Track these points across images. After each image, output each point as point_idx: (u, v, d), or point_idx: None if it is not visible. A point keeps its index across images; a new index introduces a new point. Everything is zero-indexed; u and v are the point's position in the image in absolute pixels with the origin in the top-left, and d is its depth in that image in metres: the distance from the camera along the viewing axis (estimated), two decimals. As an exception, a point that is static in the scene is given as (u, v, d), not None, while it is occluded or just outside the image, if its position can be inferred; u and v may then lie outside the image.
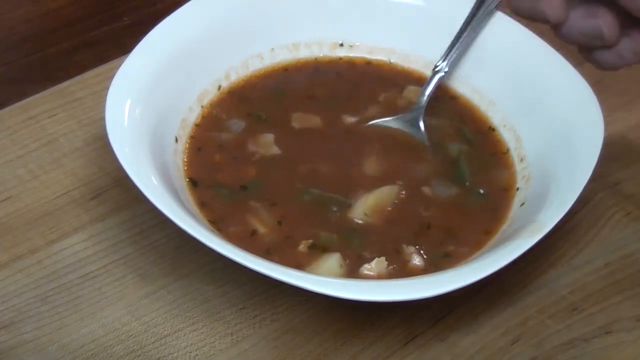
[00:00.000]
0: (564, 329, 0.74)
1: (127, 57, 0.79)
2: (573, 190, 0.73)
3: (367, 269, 0.73)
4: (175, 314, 0.74)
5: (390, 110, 0.85)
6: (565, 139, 0.78)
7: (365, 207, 0.76)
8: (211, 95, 0.85)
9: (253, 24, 0.87)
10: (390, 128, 0.84)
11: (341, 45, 0.90)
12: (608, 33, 0.70)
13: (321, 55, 0.90)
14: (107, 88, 0.76)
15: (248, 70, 0.88)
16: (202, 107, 0.84)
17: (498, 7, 0.86)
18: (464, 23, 0.86)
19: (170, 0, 0.93)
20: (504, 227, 0.76)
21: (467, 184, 0.80)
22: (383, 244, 0.75)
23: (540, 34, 0.85)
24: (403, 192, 0.78)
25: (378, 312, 0.74)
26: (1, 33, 1.00)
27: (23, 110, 0.88)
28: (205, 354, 0.72)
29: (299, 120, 0.84)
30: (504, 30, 0.86)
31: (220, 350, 0.72)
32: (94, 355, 0.71)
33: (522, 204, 0.77)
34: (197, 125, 0.83)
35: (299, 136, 0.83)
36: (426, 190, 0.79)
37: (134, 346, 0.72)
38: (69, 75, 0.92)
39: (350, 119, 0.85)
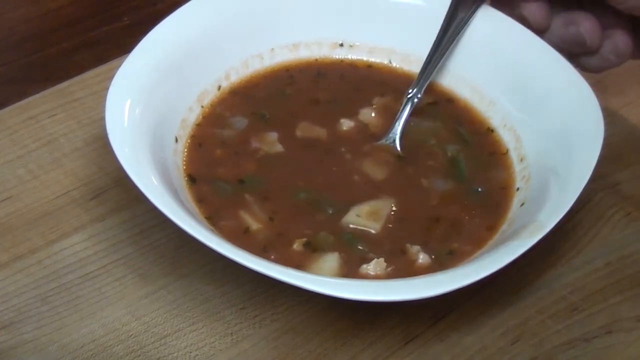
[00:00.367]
0: (564, 329, 0.74)
1: (127, 57, 0.79)
2: (573, 191, 0.73)
3: (366, 269, 0.73)
4: (175, 314, 0.74)
5: (389, 114, 0.85)
6: (565, 139, 0.78)
7: (360, 212, 0.77)
8: (211, 95, 0.85)
9: (253, 23, 0.87)
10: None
11: (341, 45, 0.90)
12: (589, 39, 0.70)
13: (321, 55, 0.90)
14: (107, 88, 0.76)
15: (248, 70, 0.88)
16: (202, 107, 0.84)
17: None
18: (433, 47, 0.86)
19: (170, 0, 0.93)
20: (504, 227, 0.77)
21: (465, 181, 0.80)
22: (380, 246, 0.75)
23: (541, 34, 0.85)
24: (394, 208, 0.78)
25: (378, 312, 0.74)
26: (1, 33, 1.00)
27: (23, 110, 0.88)
28: (205, 354, 0.72)
29: (303, 129, 0.84)
30: (504, 31, 0.86)
31: (220, 350, 0.72)
32: (94, 355, 0.71)
33: (522, 204, 0.77)
34: (198, 124, 0.83)
35: (301, 139, 0.83)
36: (425, 182, 0.80)
37: (134, 346, 0.72)
38: (69, 75, 0.92)
39: (350, 124, 0.85)
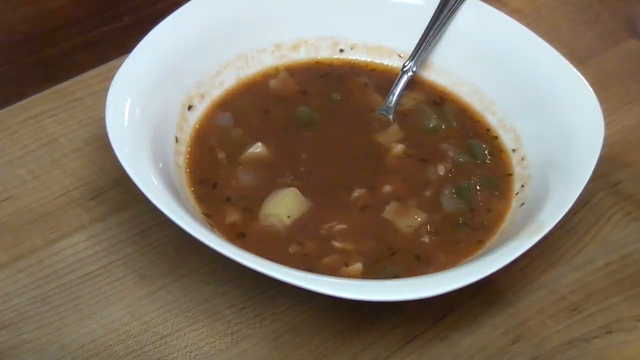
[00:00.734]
0: (564, 329, 0.74)
1: (127, 57, 0.79)
2: (573, 191, 0.73)
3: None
4: (175, 314, 0.74)
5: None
6: (565, 139, 0.78)
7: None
8: (212, 94, 0.85)
9: (253, 23, 0.87)
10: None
11: (341, 47, 0.90)
12: None
13: (321, 55, 0.90)
14: (107, 88, 0.76)
15: (249, 70, 0.88)
16: (202, 106, 0.84)
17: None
18: (432, 18, 0.88)
19: (170, 0, 0.93)
20: (504, 226, 0.77)
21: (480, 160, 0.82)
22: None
23: (542, 34, 0.85)
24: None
25: (378, 312, 0.74)
26: (1, 33, 1.00)
27: (23, 110, 0.88)
28: (205, 354, 0.72)
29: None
30: (504, 31, 0.86)
31: (220, 350, 0.72)
32: (94, 355, 0.71)
33: (522, 204, 0.77)
34: (198, 124, 0.83)
35: (300, 140, 0.83)
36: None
37: (134, 346, 0.72)
38: (69, 75, 0.92)
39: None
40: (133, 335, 0.73)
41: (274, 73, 0.88)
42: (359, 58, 0.90)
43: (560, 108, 0.81)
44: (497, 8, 0.88)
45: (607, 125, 0.78)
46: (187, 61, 0.83)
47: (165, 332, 0.73)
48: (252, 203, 0.77)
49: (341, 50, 0.90)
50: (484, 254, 0.72)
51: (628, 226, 0.82)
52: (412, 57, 0.87)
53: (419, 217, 0.77)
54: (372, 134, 0.84)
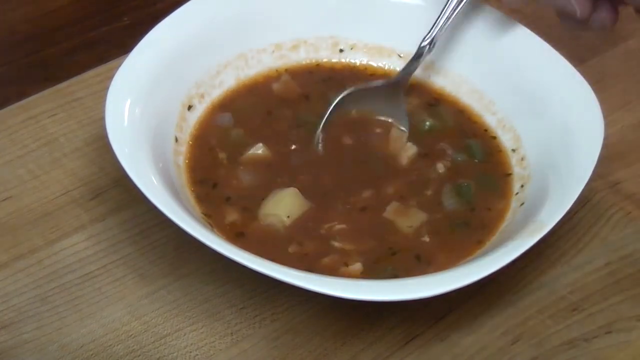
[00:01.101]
0: (564, 329, 0.74)
1: (127, 57, 0.79)
2: (573, 190, 0.73)
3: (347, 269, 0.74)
4: (175, 314, 0.74)
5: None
6: (565, 139, 0.78)
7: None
8: (212, 94, 0.85)
9: (253, 23, 0.87)
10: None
11: (341, 47, 0.90)
12: (580, 14, 0.72)
13: (321, 55, 0.90)
14: (107, 88, 0.76)
15: (249, 71, 0.88)
16: (202, 106, 0.84)
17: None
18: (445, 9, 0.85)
19: (170, 0, 0.93)
20: (504, 226, 0.77)
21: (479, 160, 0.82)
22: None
23: (541, 34, 0.85)
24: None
25: (378, 312, 0.74)
26: (1, 33, 1.00)
27: (23, 110, 0.88)
28: (205, 354, 0.72)
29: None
30: (503, 30, 0.86)
31: (220, 350, 0.72)
32: (94, 355, 0.71)
33: (522, 203, 0.77)
34: (198, 124, 0.83)
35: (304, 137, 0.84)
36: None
37: (134, 346, 0.72)
38: (69, 75, 0.92)
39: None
40: (133, 335, 0.73)
41: (275, 75, 0.88)
42: (359, 58, 0.90)
43: (560, 108, 0.81)
44: (497, 8, 0.88)
45: (607, 125, 0.78)
46: (187, 61, 0.83)
47: (165, 332, 0.73)
48: (251, 203, 0.77)
49: (341, 50, 0.90)
50: (483, 254, 0.72)
51: (628, 226, 0.82)
52: (430, 36, 0.84)
53: (419, 217, 0.77)
54: (374, 137, 0.83)
